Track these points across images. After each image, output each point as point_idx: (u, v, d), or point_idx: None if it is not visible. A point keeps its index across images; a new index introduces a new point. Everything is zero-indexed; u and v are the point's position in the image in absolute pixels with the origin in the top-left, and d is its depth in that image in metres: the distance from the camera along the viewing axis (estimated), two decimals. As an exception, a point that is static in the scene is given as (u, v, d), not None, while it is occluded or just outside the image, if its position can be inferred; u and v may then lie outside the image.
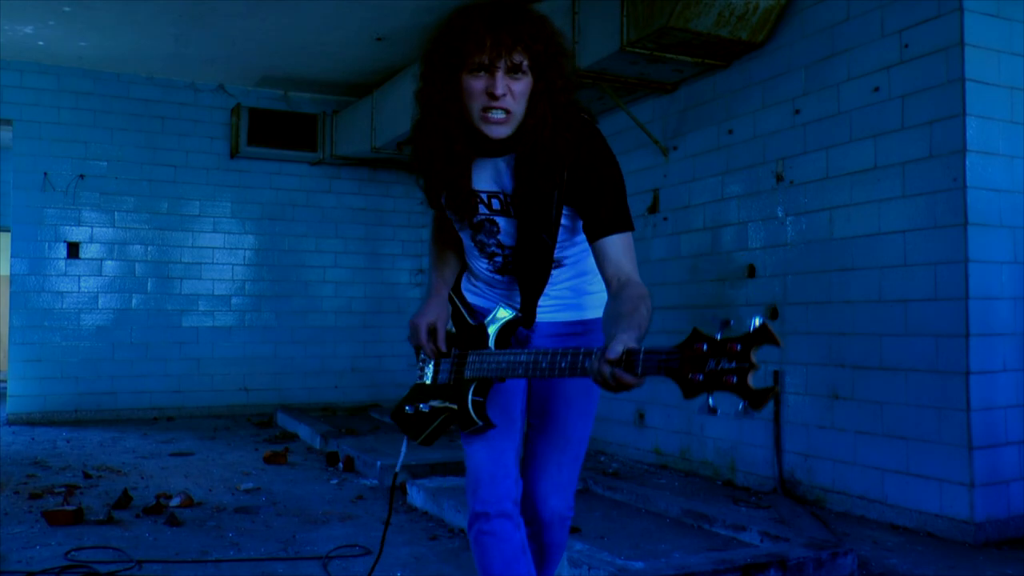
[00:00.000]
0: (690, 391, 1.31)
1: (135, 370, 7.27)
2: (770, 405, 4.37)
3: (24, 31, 6.27)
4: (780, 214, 4.39)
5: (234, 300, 7.67)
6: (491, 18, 1.66)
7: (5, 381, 7.49)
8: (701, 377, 1.29)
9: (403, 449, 2.12)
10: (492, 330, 1.83)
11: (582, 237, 1.85)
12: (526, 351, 1.67)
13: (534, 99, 1.70)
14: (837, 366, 4.04)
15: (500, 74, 1.65)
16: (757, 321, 1.24)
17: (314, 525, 3.77)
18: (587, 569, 2.92)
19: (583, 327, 1.96)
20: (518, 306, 1.90)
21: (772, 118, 4.45)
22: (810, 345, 4.18)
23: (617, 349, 1.39)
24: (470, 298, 2.03)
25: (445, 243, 2.08)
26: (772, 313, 4.41)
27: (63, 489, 4.32)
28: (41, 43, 6.54)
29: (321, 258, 7.96)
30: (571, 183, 1.73)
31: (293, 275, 7.86)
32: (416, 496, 4.11)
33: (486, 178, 1.80)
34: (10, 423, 6.79)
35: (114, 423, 6.95)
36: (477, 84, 1.66)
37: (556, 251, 1.83)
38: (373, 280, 8.13)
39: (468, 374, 1.82)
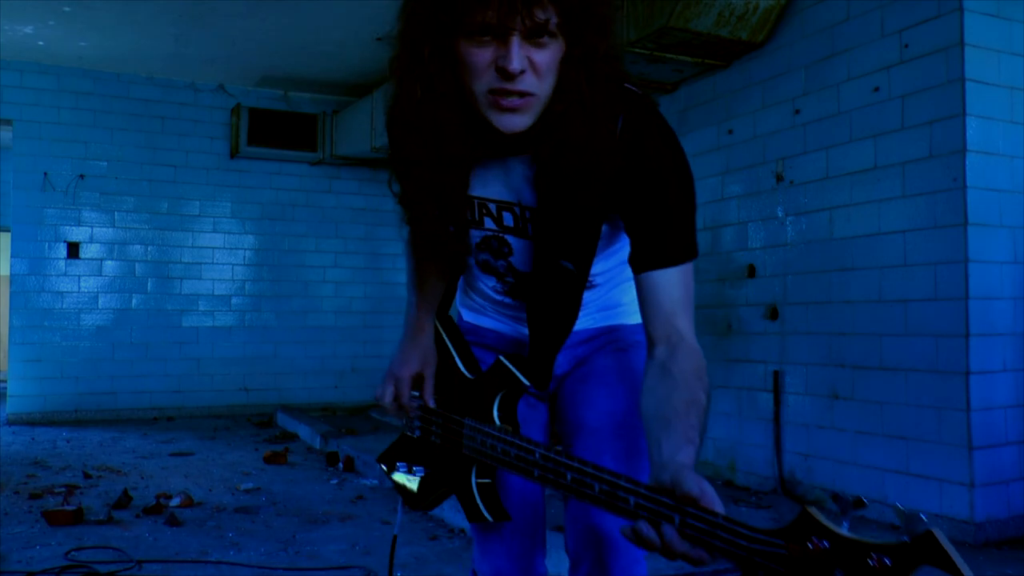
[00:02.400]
0: None
1: (135, 370, 7.27)
2: (769, 405, 4.37)
3: (24, 31, 6.27)
4: (780, 214, 4.39)
5: (234, 300, 7.67)
6: None
7: (5, 381, 7.49)
8: None
9: (399, 514, 1.65)
10: (497, 397, 1.34)
11: (620, 244, 1.38)
12: (542, 448, 1.17)
13: (566, 73, 1.17)
14: (837, 366, 4.04)
15: (516, 40, 1.12)
16: (920, 521, 0.79)
17: (314, 525, 3.77)
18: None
19: (607, 333, 1.51)
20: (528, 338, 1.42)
21: (772, 118, 4.45)
22: (810, 345, 4.18)
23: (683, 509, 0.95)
24: (467, 316, 1.58)
25: (427, 256, 1.53)
26: (772, 313, 4.41)
27: (63, 489, 4.32)
28: (41, 43, 6.54)
29: (321, 258, 7.96)
30: (617, 190, 1.23)
31: (293, 275, 7.86)
32: (416, 496, 4.11)
33: (494, 183, 1.31)
34: (10, 423, 6.79)
35: (114, 423, 6.95)
36: (482, 55, 1.14)
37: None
38: (373, 280, 8.13)
39: (466, 450, 1.36)
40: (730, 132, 4.73)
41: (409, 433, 1.53)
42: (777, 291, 4.40)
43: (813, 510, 0.88)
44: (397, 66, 1.24)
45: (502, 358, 1.33)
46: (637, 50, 4.49)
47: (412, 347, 1.49)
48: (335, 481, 4.74)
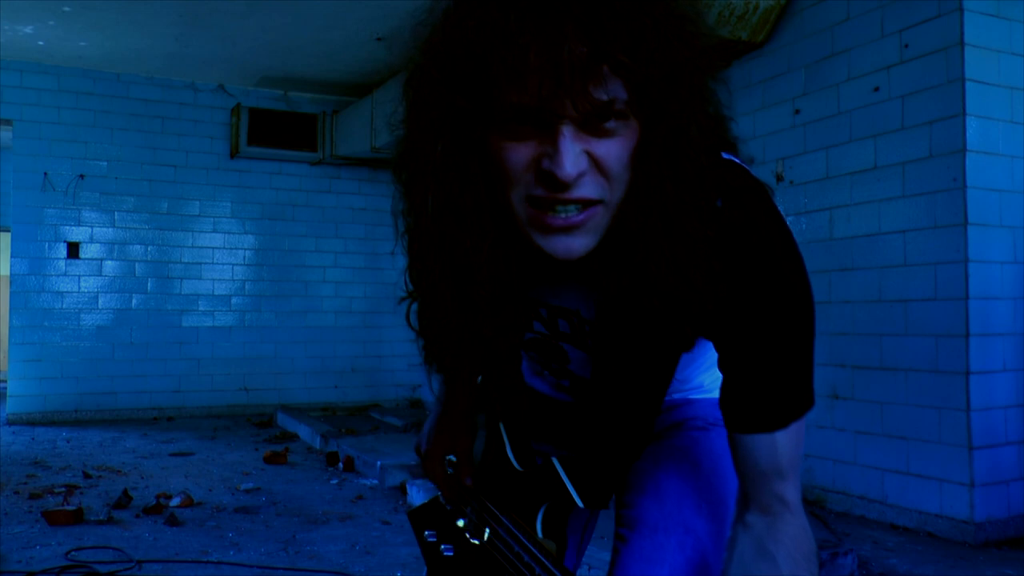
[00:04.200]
0: None
1: (135, 370, 7.27)
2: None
3: (24, 31, 6.27)
4: (780, 214, 4.39)
5: (234, 300, 7.67)
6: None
7: (5, 381, 7.49)
8: None
9: None
10: (543, 506, 1.09)
11: (704, 351, 1.12)
12: None
13: (644, 167, 0.82)
14: (837, 366, 4.04)
15: (568, 130, 0.78)
16: None
17: (314, 525, 3.77)
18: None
19: (682, 407, 1.22)
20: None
21: (772, 118, 4.45)
22: (810, 345, 4.18)
23: None
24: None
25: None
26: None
27: (63, 489, 4.32)
28: (41, 43, 6.54)
29: (321, 258, 7.96)
30: (711, 320, 0.89)
31: (293, 275, 7.86)
32: (416, 496, 4.11)
33: (546, 283, 1.01)
34: (10, 423, 6.79)
35: (114, 423, 6.95)
36: (519, 153, 0.80)
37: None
38: (373, 280, 8.13)
39: (499, 555, 1.12)
40: (730, 132, 4.72)
41: (441, 502, 1.29)
42: (777, 291, 4.39)
43: None
44: (402, 162, 0.90)
45: (556, 463, 1.05)
46: (637, 50, 4.49)
47: (443, 422, 1.24)
48: (335, 481, 4.74)
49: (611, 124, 0.79)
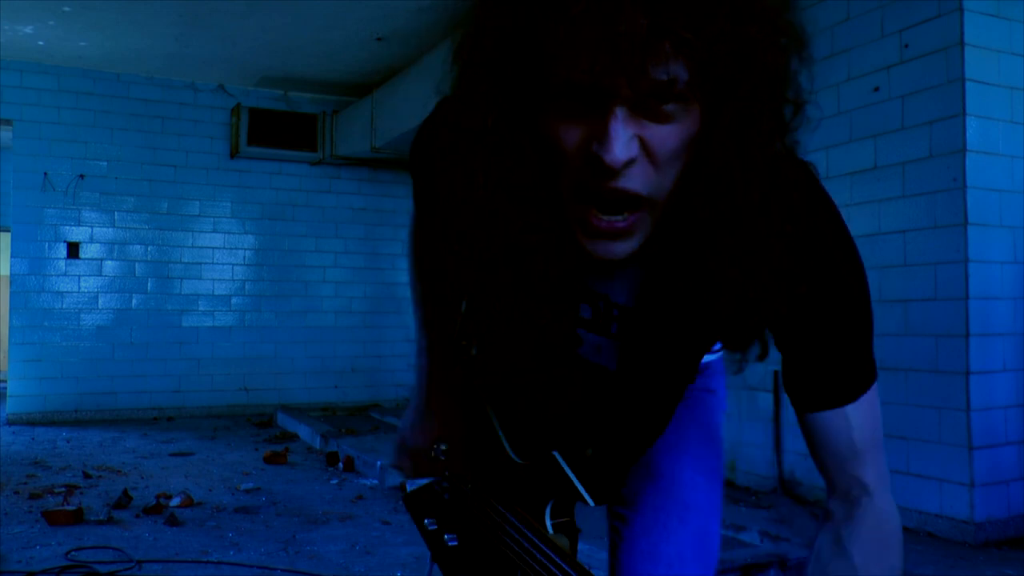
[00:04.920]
0: None
1: (135, 370, 7.27)
2: (770, 405, 4.37)
3: (24, 31, 6.27)
4: (780, 214, 4.39)
5: (234, 300, 7.67)
6: None
7: (5, 381, 7.49)
8: None
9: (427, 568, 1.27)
10: (548, 506, 1.03)
11: None
12: None
13: (706, 157, 0.76)
14: (837, 366, 4.03)
15: (621, 112, 0.71)
16: None
17: (314, 525, 3.77)
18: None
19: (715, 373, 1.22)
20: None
21: (772, 118, 4.44)
22: (810, 345, 4.18)
23: None
24: None
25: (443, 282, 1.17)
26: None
27: (63, 489, 4.32)
28: (41, 43, 6.54)
29: (321, 258, 7.96)
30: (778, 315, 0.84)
31: (293, 275, 7.86)
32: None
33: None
34: (10, 423, 6.79)
35: (114, 423, 6.95)
36: (569, 134, 0.74)
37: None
38: (373, 280, 8.13)
39: (509, 552, 1.06)
40: (730, 132, 4.73)
41: (438, 489, 1.23)
42: (777, 291, 4.39)
43: None
44: (454, 133, 0.82)
45: (560, 459, 0.98)
46: (637, 50, 4.49)
47: (428, 412, 1.17)
48: (335, 481, 4.74)
49: (670, 107, 0.72)
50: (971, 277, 3.48)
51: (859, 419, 0.87)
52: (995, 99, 3.57)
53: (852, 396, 0.87)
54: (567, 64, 0.70)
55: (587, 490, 0.97)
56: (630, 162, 0.72)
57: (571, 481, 0.97)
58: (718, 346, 1.10)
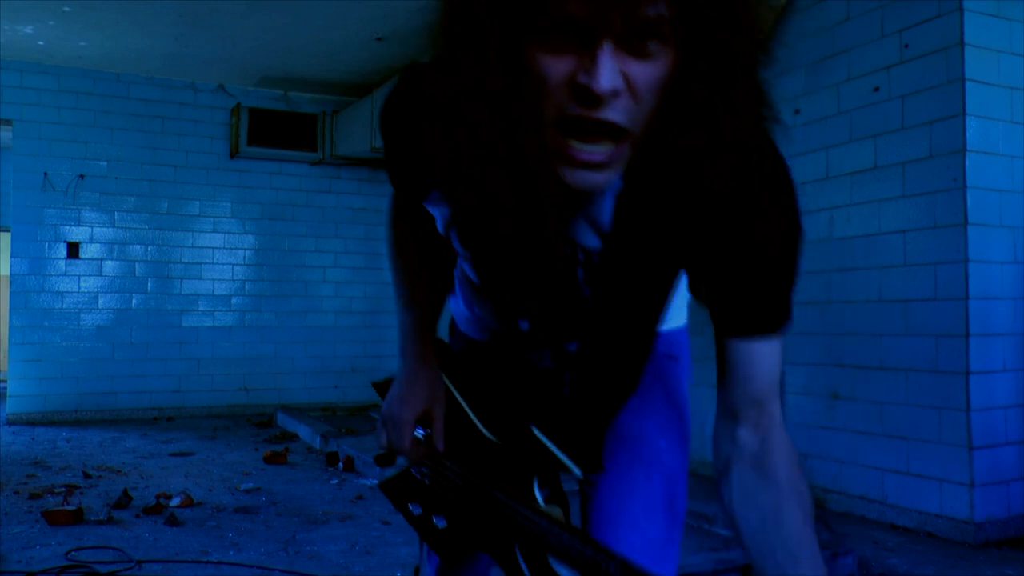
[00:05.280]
0: None
1: (135, 370, 7.27)
2: (770, 405, 4.37)
3: (24, 31, 6.27)
4: (780, 214, 4.39)
5: (234, 300, 7.67)
6: None
7: (5, 381, 7.49)
8: None
9: (425, 557, 1.30)
10: (535, 480, 1.03)
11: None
12: (617, 559, 0.84)
13: (678, 96, 0.82)
14: (837, 366, 4.04)
15: (608, 45, 0.76)
16: None
17: (314, 525, 3.77)
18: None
19: (678, 346, 1.26)
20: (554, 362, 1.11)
21: (772, 118, 4.44)
22: (810, 345, 4.18)
23: None
24: (467, 329, 1.28)
25: (420, 254, 1.23)
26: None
27: (63, 489, 4.32)
28: (41, 43, 6.54)
29: (321, 258, 7.96)
30: (712, 244, 0.95)
31: (293, 275, 7.86)
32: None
33: None
34: (10, 423, 6.79)
35: (114, 423, 6.95)
36: (557, 66, 0.78)
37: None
38: (373, 280, 8.13)
39: (504, 527, 1.06)
40: (730, 132, 4.72)
41: (416, 475, 1.25)
42: (777, 291, 4.39)
43: None
44: (451, 74, 0.86)
45: (538, 433, 1.01)
46: (637, 50, 4.49)
47: (414, 382, 1.19)
48: (335, 481, 4.74)
49: (651, 47, 0.78)
50: (971, 277, 3.48)
51: (775, 355, 0.97)
52: (995, 99, 3.57)
53: (777, 328, 0.97)
54: (559, 1, 0.75)
55: (571, 460, 0.98)
56: (614, 93, 0.77)
57: (553, 453, 0.99)
58: (684, 315, 1.22)
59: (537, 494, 1.03)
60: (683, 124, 0.82)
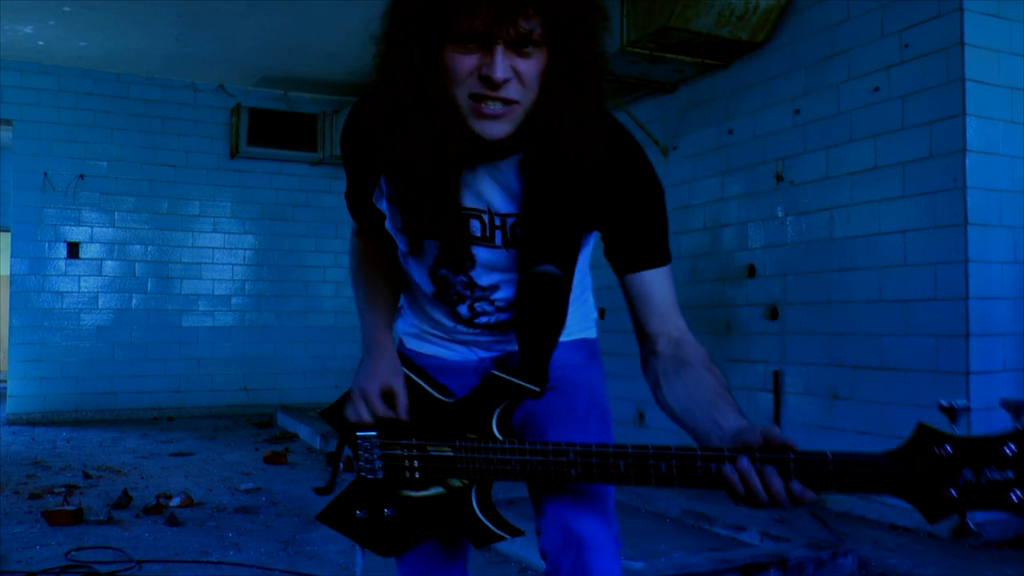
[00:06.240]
0: (937, 512, 0.97)
1: (135, 370, 7.27)
2: (769, 405, 4.37)
3: (24, 31, 6.27)
4: (780, 214, 4.39)
5: (234, 300, 7.67)
6: None
7: (5, 381, 7.49)
8: (955, 493, 0.96)
9: (359, 561, 1.59)
10: (496, 412, 1.30)
11: (584, 252, 1.43)
12: (577, 446, 1.20)
13: (550, 82, 1.18)
14: (837, 366, 4.04)
15: (501, 49, 1.13)
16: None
17: (314, 525, 3.77)
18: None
19: (590, 350, 1.51)
20: (505, 354, 1.44)
21: (772, 118, 4.45)
22: (810, 345, 4.18)
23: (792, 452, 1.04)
24: (414, 344, 1.52)
25: (376, 265, 1.51)
26: (772, 313, 4.40)
27: (63, 489, 4.32)
28: (41, 43, 6.54)
29: (321, 258, 7.96)
30: (601, 201, 1.28)
31: (293, 275, 7.86)
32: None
33: (464, 191, 1.31)
34: (10, 423, 6.79)
35: (114, 423, 6.95)
36: (466, 62, 1.14)
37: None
38: (373, 280, 8.12)
39: (465, 475, 1.32)
40: (730, 132, 4.72)
41: (368, 475, 1.42)
42: (777, 291, 4.40)
43: (926, 424, 0.97)
44: (385, 68, 1.24)
45: (495, 371, 1.30)
46: (637, 50, 4.49)
47: (376, 361, 1.41)
48: (335, 481, 4.74)
49: (529, 49, 1.15)
50: (971, 277, 3.48)
51: (667, 281, 1.32)
52: (995, 99, 3.57)
53: (664, 261, 1.32)
54: (469, 18, 1.11)
55: (526, 382, 1.28)
56: (506, 80, 1.15)
57: (514, 383, 1.28)
58: (594, 330, 1.53)
59: (496, 431, 1.28)
60: (550, 100, 1.19)
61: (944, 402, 0.99)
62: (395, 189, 1.30)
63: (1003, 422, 3.51)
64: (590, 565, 1.32)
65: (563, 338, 1.41)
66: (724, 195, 4.77)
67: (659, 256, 1.31)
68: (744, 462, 1.06)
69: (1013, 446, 0.90)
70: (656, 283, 1.31)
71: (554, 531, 1.34)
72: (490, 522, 1.30)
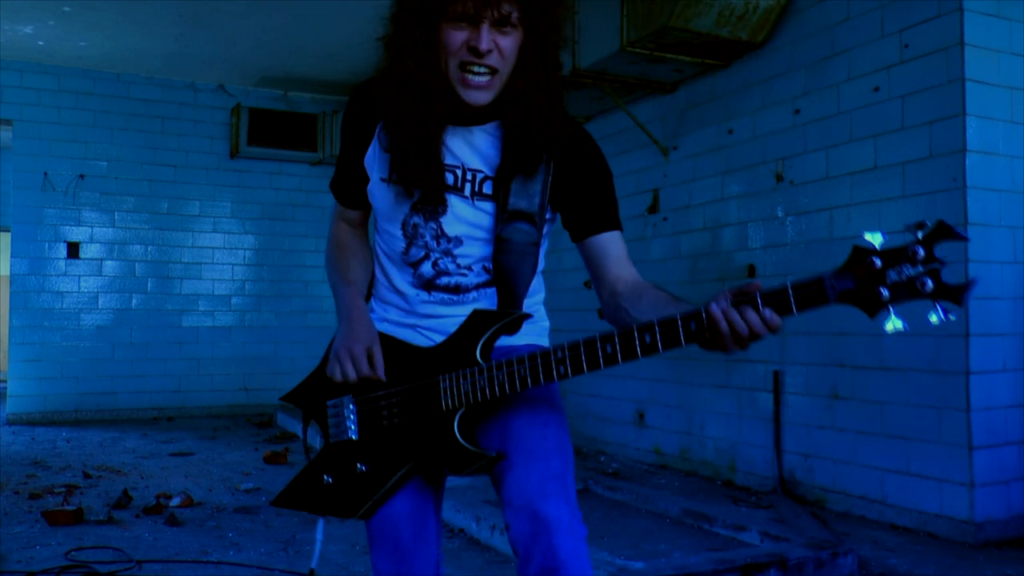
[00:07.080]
0: (875, 308, 1.29)
1: (135, 370, 7.27)
2: (769, 405, 4.37)
3: (24, 31, 6.27)
4: (780, 214, 4.39)
5: (234, 300, 7.67)
6: None
7: (5, 381, 7.49)
8: (887, 292, 1.28)
9: (319, 536, 1.70)
10: (479, 342, 1.45)
11: (545, 237, 1.61)
12: (565, 345, 1.35)
13: (524, 58, 1.46)
14: (837, 366, 4.04)
15: (486, 26, 1.41)
16: (926, 223, 1.24)
17: (314, 525, 3.76)
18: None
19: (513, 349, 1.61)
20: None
21: (772, 118, 4.44)
22: (810, 345, 4.18)
23: (760, 287, 1.27)
24: (385, 328, 1.64)
25: (350, 251, 1.70)
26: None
27: (63, 489, 4.32)
28: (41, 43, 6.54)
29: (321, 258, 7.89)
30: (561, 174, 1.54)
31: (293, 275, 7.86)
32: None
33: (443, 150, 1.54)
34: (10, 423, 6.79)
35: (114, 423, 6.95)
36: (458, 36, 1.42)
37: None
38: (373, 280, 8.12)
39: (448, 404, 1.45)
40: (730, 132, 4.72)
41: (342, 437, 1.56)
42: (777, 291, 4.39)
43: (859, 244, 1.24)
44: (391, 44, 1.50)
45: (477, 309, 1.50)
46: (637, 50, 4.49)
47: (356, 324, 1.57)
48: (335, 481, 4.74)
49: (508, 28, 1.44)
50: (971, 277, 3.48)
51: (621, 242, 1.56)
52: (995, 99, 3.57)
53: (618, 226, 1.57)
54: (462, 2, 1.40)
55: (506, 313, 1.46)
56: (489, 51, 1.43)
57: (493, 315, 1.46)
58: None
59: (479, 358, 1.44)
60: (523, 71, 1.48)
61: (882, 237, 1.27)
62: (390, 138, 1.53)
63: (1003, 422, 3.52)
64: (559, 548, 1.38)
65: (517, 341, 1.59)
66: (724, 195, 4.77)
67: (614, 221, 1.57)
68: (723, 301, 1.27)
69: (920, 249, 1.26)
70: (614, 242, 1.55)
71: (522, 518, 1.42)
72: (471, 444, 1.43)
